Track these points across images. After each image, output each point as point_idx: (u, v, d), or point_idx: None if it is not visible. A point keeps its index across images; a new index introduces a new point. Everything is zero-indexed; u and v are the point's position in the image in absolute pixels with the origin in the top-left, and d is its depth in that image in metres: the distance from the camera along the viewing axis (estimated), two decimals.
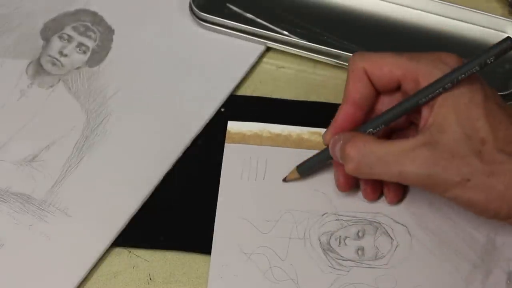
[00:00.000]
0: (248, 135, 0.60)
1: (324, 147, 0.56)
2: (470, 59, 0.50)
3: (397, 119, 0.53)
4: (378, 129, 0.53)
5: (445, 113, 0.50)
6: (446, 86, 0.50)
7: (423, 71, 0.51)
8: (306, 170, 0.57)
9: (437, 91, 0.50)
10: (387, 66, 0.53)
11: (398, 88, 0.54)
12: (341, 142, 0.52)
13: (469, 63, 0.50)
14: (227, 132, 0.60)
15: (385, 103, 0.55)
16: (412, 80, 0.52)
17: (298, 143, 0.59)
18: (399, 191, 0.56)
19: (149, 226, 0.56)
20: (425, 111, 0.51)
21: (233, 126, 0.60)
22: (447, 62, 0.51)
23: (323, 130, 0.59)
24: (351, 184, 0.56)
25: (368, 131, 0.53)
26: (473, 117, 0.49)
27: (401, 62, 0.52)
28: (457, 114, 0.50)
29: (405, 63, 0.52)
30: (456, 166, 0.49)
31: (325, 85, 0.64)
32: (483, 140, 0.49)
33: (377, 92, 0.54)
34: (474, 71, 0.50)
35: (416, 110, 0.52)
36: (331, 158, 0.55)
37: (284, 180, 0.58)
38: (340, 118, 0.54)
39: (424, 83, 0.51)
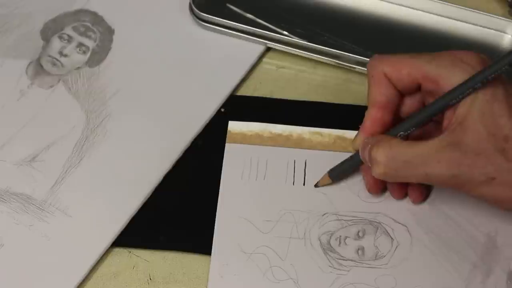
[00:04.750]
0: (249, 135, 0.60)
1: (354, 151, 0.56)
2: (497, 58, 0.50)
3: (427, 121, 0.53)
4: (408, 132, 0.53)
5: (468, 111, 0.50)
6: (476, 86, 0.49)
7: (443, 72, 0.51)
8: (337, 175, 0.57)
9: (467, 91, 0.50)
10: (405, 69, 0.53)
11: (418, 89, 0.53)
12: (369, 146, 0.52)
13: (498, 62, 0.49)
14: (228, 132, 0.60)
15: (407, 104, 0.55)
16: (432, 81, 0.52)
17: (299, 143, 0.59)
18: (424, 190, 0.56)
19: (149, 226, 0.56)
20: (448, 110, 0.51)
21: (234, 126, 0.60)
22: (467, 61, 0.51)
23: (323, 130, 0.60)
24: (381, 186, 0.56)
25: (399, 134, 0.53)
26: (496, 114, 0.49)
27: (420, 64, 0.52)
28: (480, 112, 0.49)
29: (424, 65, 0.52)
30: (480, 165, 0.49)
31: (325, 85, 0.64)
32: (506, 137, 0.49)
33: (401, 94, 0.54)
34: (504, 70, 0.49)
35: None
36: (362, 162, 0.55)
37: (316, 185, 0.57)
38: (368, 122, 0.54)
39: (444, 84, 0.51)
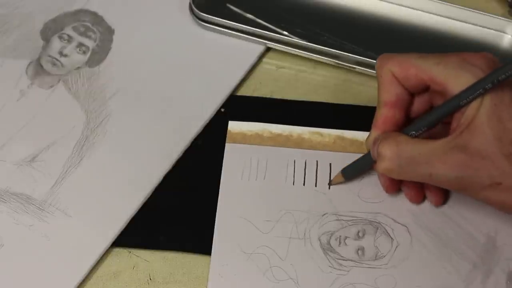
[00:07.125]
0: (249, 135, 0.60)
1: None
2: (508, 59, 0.49)
3: (439, 121, 0.52)
4: (420, 131, 0.52)
5: (476, 114, 0.49)
6: (486, 86, 0.49)
7: (450, 75, 0.51)
8: (350, 173, 0.57)
9: (478, 92, 0.49)
10: (412, 70, 0.52)
11: (427, 89, 0.53)
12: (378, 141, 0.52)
13: (510, 63, 0.49)
14: (228, 132, 0.60)
15: (417, 104, 0.55)
16: (439, 84, 0.51)
17: (299, 143, 0.60)
18: (442, 192, 0.56)
19: (149, 226, 0.56)
20: (458, 112, 0.51)
21: (233, 126, 0.60)
22: (474, 63, 0.50)
23: (323, 130, 0.60)
24: (396, 185, 0.56)
25: (410, 134, 0.52)
26: (504, 118, 0.49)
27: (427, 67, 0.52)
28: (487, 115, 0.49)
29: (431, 68, 0.51)
30: (486, 170, 0.49)
31: (325, 85, 0.64)
32: None
33: (410, 93, 0.54)
34: None
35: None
36: (374, 161, 0.54)
37: (329, 183, 0.57)
38: (380, 121, 0.54)
39: (452, 87, 0.50)
